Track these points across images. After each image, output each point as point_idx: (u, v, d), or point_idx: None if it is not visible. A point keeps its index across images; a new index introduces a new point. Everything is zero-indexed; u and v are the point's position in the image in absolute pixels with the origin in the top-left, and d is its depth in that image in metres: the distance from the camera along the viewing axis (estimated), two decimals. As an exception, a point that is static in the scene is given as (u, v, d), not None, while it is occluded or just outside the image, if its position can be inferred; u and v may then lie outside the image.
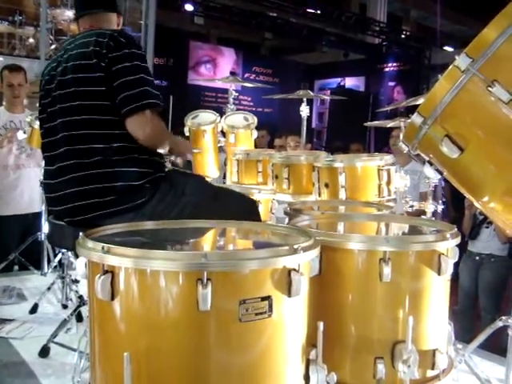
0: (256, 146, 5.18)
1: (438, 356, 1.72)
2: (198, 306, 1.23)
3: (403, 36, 13.38)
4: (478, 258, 4.18)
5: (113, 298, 1.31)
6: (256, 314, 1.29)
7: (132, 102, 1.95)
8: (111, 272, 1.31)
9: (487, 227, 4.15)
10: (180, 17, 11.45)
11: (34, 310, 3.09)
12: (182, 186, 2.08)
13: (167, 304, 1.27)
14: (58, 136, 2.03)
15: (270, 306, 1.30)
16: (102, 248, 1.31)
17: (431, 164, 1.85)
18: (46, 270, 3.78)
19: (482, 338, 2.46)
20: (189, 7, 10.90)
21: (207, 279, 1.23)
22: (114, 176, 1.95)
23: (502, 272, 4.12)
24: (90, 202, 1.95)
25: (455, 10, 11.48)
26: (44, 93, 2.14)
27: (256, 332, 1.30)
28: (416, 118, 1.66)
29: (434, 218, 2.77)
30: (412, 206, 2.85)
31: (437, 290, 1.73)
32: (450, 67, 1.57)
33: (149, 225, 1.74)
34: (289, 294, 1.33)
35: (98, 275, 1.30)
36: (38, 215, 3.86)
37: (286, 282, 1.33)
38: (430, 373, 1.73)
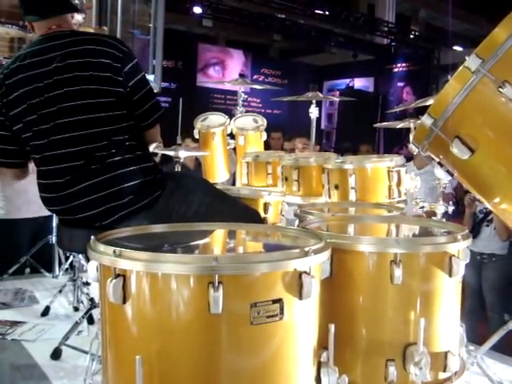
0: (271, 148, 5.20)
1: (449, 358, 1.71)
2: (209, 309, 1.23)
3: (412, 36, 13.34)
4: (479, 257, 4.14)
5: (124, 301, 1.31)
6: (267, 317, 1.29)
7: (153, 114, 2.14)
8: (123, 275, 1.31)
9: (487, 225, 4.13)
10: (188, 19, 11.48)
11: (45, 312, 3.11)
12: (187, 185, 2.13)
13: (179, 307, 1.27)
14: (66, 150, 1.96)
15: (282, 309, 1.30)
16: (114, 252, 1.31)
17: (441, 165, 1.85)
18: (57, 272, 3.80)
19: (494, 339, 2.44)
20: (197, 10, 10.93)
21: (218, 282, 1.23)
22: (128, 175, 1.96)
23: (506, 271, 4.10)
24: (110, 206, 1.95)
25: (464, 9, 11.43)
26: (26, 106, 1.99)
27: (267, 335, 1.30)
28: (426, 120, 1.66)
29: (444, 220, 2.76)
30: (422, 207, 2.83)
31: (448, 292, 1.72)
32: (460, 68, 1.57)
33: (159, 228, 1.74)
34: (300, 297, 1.33)
35: (110, 279, 1.31)
36: (48, 218, 3.88)
37: (297, 284, 1.33)
38: (441, 375, 1.72)
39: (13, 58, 2.10)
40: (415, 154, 1.86)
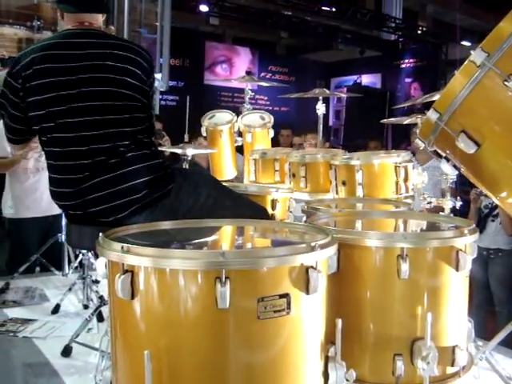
0: (280, 145, 5.20)
1: (457, 353, 1.71)
2: (216, 304, 1.24)
3: (419, 32, 13.24)
4: (485, 252, 4.11)
5: (133, 297, 1.33)
6: (274, 312, 1.30)
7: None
8: (131, 271, 1.33)
9: (493, 220, 4.10)
10: (195, 18, 11.48)
11: (55, 310, 3.13)
12: (194, 178, 2.17)
13: (186, 302, 1.29)
14: (89, 146, 1.98)
15: (289, 304, 1.31)
16: (122, 248, 1.33)
17: (448, 160, 1.84)
18: (66, 270, 3.82)
19: (502, 334, 2.42)
20: (204, 8, 10.92)
21: (225, 277, 1.24)
22: (144, 170, 2.00)
23: None
24: (127, 200, 1.97)
25: (471, 3, 11.36)
26: (54, 95, 1.99)
27: (274, 329, 1.31)
28: (432, 114, 1.66)
29: (452, 215, 2.75)
30: (430, 203, 2.83)
31: (455, 287, 1.73)
32: (466, 62, 1.57)
33: (167, 224, 1.76)
34: (307, 292, 1.34)
35: (118, 275, 1.32)
36: (58, 217, 3.90)
37: (303, 279, 1.34)
38: (449, 370, 1.72)
39: (41, 43, 2.10)
40: (420, 149, 1.85)
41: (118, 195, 1.97)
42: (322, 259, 1.40)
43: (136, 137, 2.04)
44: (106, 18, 2.34)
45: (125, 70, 2.05)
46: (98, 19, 2.21)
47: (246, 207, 2.23)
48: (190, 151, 3.15)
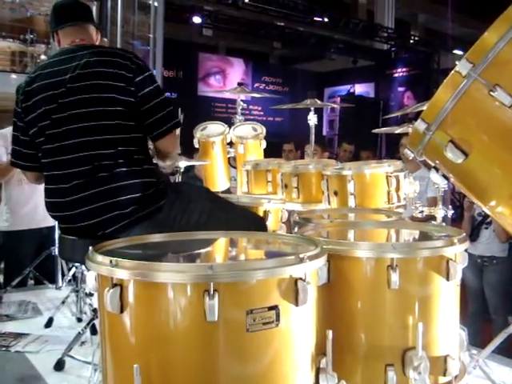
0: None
1: (449, 362, 1.71)
2: (205, 317, 1.24)
3: (412, 41, 13.38)
4: (479, 260, 4.13)
5: (122, 310, 1.33)
6: (263, 324, 1.29)
7: (165, 123, 2.11)
8: (120, 285, 1.32)
9: (486, 228, 4.12)
10: (188, 29, 11.55)
11: (49, 323, 3.12)
12: (187, 193, 2.16)
13: (175, 316, 1.28)
14: (74, 155, 2.02)
15: (278, 316, 1.31)
16: (111, 262, 1.33)
17: (437, 169, 1.85)
18: (60, 283, 3.81)
19: (496, 342, 2.43)
20: (197, 19, 11.01)
21: (214, 290, 1.24)
22: (133, 187, 1.99)
23: (507, 273, 4.09)
24: (114, 215, 1.97)
25: (463, 12, 11.46)
26: (42, 111, 2.08)
27: (264, 342, 1.31)
28: (420, 125, 1.67)
29: (444, 224, 2.76)
30: (422, 212, 2.84)
31: (446, 296, 1.72)
32: (452, 73, 1.58)
33: (156, 237, 1.76)
34: (296, 303, 1.34)
35: (107, 288, 1.32)
36: (52, 229, 3.89)
37: (292, 291, 1.33)
38: (441, 379, 1.72)
39: (36, 67, 2.22)
40: (409, 158, 1.86)
41: (104, 210, 1.98)
42: (311, 271, 1.40)
43: (120, 147, 2.01)
44: (99, 30, 2.37)
45: (104, 73, 2.05)
46: (90, 34, 2.28)
47: (241, 218, 2.22)
48: (182, 163, 3.16)
